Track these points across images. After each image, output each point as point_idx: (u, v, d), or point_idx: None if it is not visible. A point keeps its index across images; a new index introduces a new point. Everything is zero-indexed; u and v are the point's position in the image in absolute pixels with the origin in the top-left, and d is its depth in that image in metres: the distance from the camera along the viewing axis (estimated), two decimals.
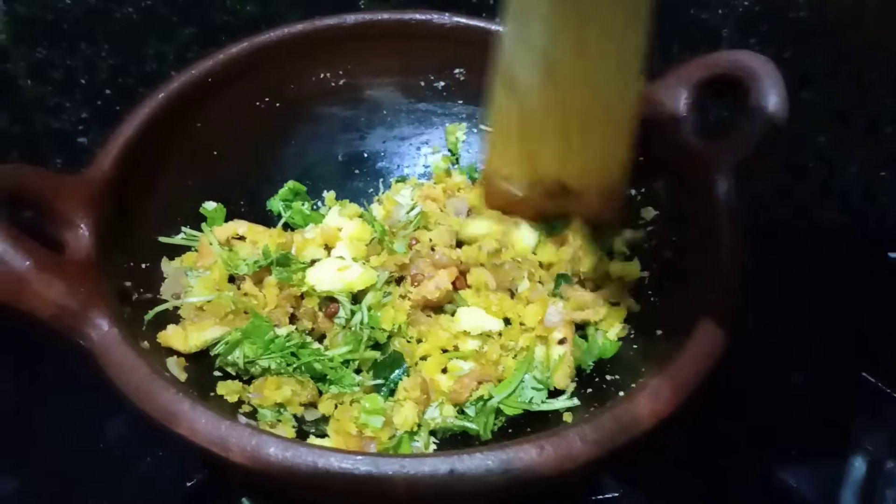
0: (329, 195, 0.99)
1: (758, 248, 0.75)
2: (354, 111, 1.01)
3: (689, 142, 0.81)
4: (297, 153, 0.99)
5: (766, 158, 0.79)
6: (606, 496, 0.86)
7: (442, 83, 0.99)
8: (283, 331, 0.79)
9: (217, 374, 0.78)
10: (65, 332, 0.65)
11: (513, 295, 0.86)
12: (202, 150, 0.90)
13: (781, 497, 0.89)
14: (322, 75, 0.97)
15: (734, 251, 0.73)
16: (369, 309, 0.82)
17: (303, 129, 0.99)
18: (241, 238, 0.88)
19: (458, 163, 1.03)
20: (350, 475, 0.56)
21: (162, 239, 0.84)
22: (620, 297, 0.85)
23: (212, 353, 0.78)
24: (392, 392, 0.79)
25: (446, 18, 0.94)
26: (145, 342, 0.72)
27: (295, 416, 0.77)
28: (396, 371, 0.80)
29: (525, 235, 0.89)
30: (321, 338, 0.83)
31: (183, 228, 0.87)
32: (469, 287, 0.86)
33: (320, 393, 0.79)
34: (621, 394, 0.70)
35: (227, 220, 0.90)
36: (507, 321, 0.85)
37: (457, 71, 0.98)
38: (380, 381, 0.80)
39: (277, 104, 0.95)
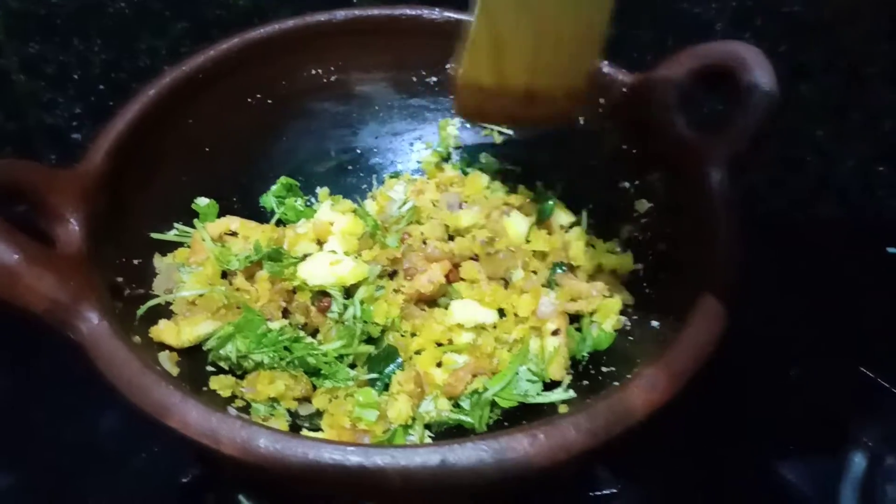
0: (322, 191, 0.98)
1: (755, 241, 0.75)
2: (346, 107, 1.00)
3: (682, 134, 0.81)
4: (289, 149, 0.99)
5: (760, 148, 0.78)
6: (604, 492, 0.86)
7: (434, 78, 0.99)
8: (275, 325, 0.79)
9: (210, 368, 0.78)
10: (56, 325, 0.64)
11: (507, 285, 0.86)
12: (194, 146, 0.89)
13: (780, 492, 0.89)
14: (314, 71, 0.97)
15: (729, 243, 0.72)
16: (362, 303, 0.82)
17: (295, 125, 0.99)
18: (234, 234, 0.88)
19: (449, 158, 1.03)
20: (341, 466, 0.55)
21: (154, 235, 0.84)
22: (614, 289, 0.85)
23: (204, 348, 0.78)
24: (386, 386, 0.79)
25: (437, 14, 0.94)
26: (137, 337, 0.71)
27: (289, 410, 0.76)
28: (391, 365, 0.80)
29: (517, 223, 0.89)
30: (314, 332, 0.83)
31: (175, 224, 0.87)
32: (462, 280, 0.86)
33: (314, 387, 0.78)
34: (617, 384, 0.69)
35: (219, 216, 0.90)
36: (501, 313, 0.84)
37: (448, 66, 0.98)
38: (374, 376, 0.80)
39: (269, 100, 0.95)
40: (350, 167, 1.02)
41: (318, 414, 0.77)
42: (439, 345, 0.82)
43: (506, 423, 0.77)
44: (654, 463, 0.89)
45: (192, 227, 0.88)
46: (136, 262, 0.79)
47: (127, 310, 0.74)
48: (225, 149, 0.92)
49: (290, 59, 0.95)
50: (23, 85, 1.10)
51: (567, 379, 0.79)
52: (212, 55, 0.88)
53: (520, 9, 0.72)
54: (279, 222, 0.94)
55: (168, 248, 0.85)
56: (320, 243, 0.89)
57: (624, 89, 0.88)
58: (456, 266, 0.86)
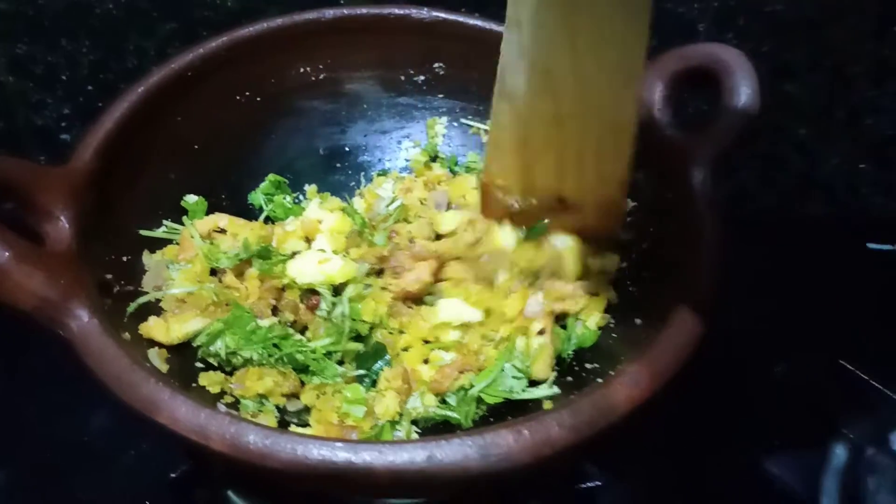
0: (310, 189, 0.99)
1: (739, 239, 0.75)
2: (335, 105, 1.01)
3: (666, 134, 0.82)
4: (277, 147, 0.99)
5: (743, 148, 0.79)
6: (589, 485, 0.87)
7: (422, 77, 1.00)
8: (265, 322, 0.79)
9: (199, 365, 0.78)
10: (45, 323, 0.65)
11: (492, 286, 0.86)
12: (183, 143, 0.90)
13: (764, 485, 0.90)
14: (302, 69, 0.97)
15: (712, 241, 0.73)
16: (350, 301, 0.82)
17: (283, 123, 0.99)
18: (223, 231, 0.88)
19: (436, 158, 1.03)
20: (329, 462, 0.56)
21: (143, 232, 0.84)
22: (600, 289, 0.86)
23: (194, 345, 0.78)
24: (374, 383, 0.79)
25: (425, 13, 0.94)
26: (126, 334, 0.72)
27: (277, 406, 0.77)
28: (379, 362, 0.81)
29: (505, 236, 0.89)
30: (303, 330, 0.84)
31: (164, 221, 0.87)
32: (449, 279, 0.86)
33: (303, 384, 0.79)
34: (600, 381, 0.70)
35: (208, 213, 0.90)
36: (487, 311, 0.85)
37: (436, 65, 0.98)
38: (362, 372, 0.80)
39: (258, 98, 0.96)
40: (338, 165, 1.03)
41: (307, 410, 0.78)
42: (426, 342, 0.83)
43: (491, 419, 0.78)
44: (639, 457, 0.90)
45: (181, 224, 0.88)
46: (125, 259, 0.80)
47: (116, 307, 0.74)
48: (214, 146, 0.93)
49: (278, 58, 0.95)
50: (11, 86, 1.10)
51: (552, 376, 0.80)
52: (200, 53, 0.88)
53: (538, 107, 0.72)
54: (268, 220, 0.94)
55: (157, 245, 0.85)
56: (308, 241, 0.90)
57: None
58: (442, 265, 0.86)
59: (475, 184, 0.97)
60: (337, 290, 0.84)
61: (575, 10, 0.63)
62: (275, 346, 0.78)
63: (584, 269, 0.87)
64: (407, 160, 1.04)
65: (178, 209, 0.89)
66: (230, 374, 0.78)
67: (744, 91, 0.77)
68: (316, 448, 0.56)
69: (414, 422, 0.77)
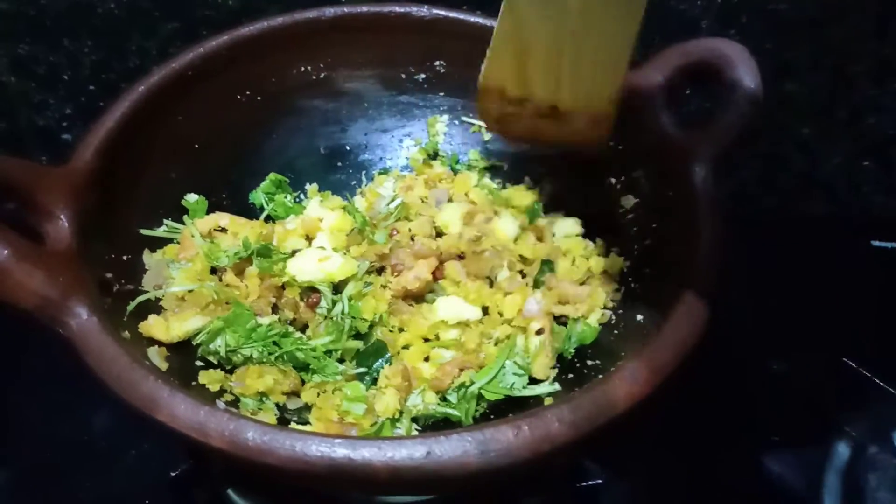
0: (311, 187, 0.99)
1: (741, 237, 0.75)
2: (336, 104, 1.01)
3: (667, 131, 0.82)
4: (278, 146, 0.99)
5: (745, 147, 0.79)
6: (590, 483, 0.87)
7: (423, 75, 1.00)
8: (265, 320, 0.80)
9: (199, 363, 0.78)
10: (45, 321, 0.65)
11: (492, 284, 0.87)
12: (184, 142, 0.90)
13: (765, 483, 0.90)
14: (303, 68, 0.97)
15: (713, 238, 0.73)
16: (350, 299, 0.82)
17: (284, 122, 0.99)
18: (223, 230, 0.88)
19: (437, 155, 1.03)
20: (328, 458, 0.56)
21: (144, 231, 0.84)
22: (603, 288, 0.86)
23: (194, 343, 0.78)
24: (375, 380, 0.80)
25: (425, 11, 0.94)
26: (126, 332, 0.72)
27: (277, 404, 0.77)
28: (379, 360, 0.81)
29: (506, 224, 0.90)
30: (303, 328, 0.84)
31: (165, 220, 0.87)
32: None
33: (303, 382, 0.79)
34: (601, 378, 0.70)
35: (209, 212, 0.90)
36: (486, 310, 0.85)
37: (437, 63, 0.98)
38: (363, 370, 0.80)
39: (259, 97, 0.96)
40: (339, 164, 1.03)
41: (307, 408, 0.78)
42: (427, 340, 0.83)
43: (492, 416, 0.78)
44: (640, 455, 0.90)
45: (182, 223, 0.88)
46: (125, 258, 0.80)
47: (116, 306, 0.74)
48: (214, 145, 0.93)
49: (279, 57, 0.95)
50: (13, 86, 1.10)
51: (552, 373, 0.80)
52: (201, 52, 0.88)
53: (544, 16, 0.71)
54: (268, 219, 0.94)
55: (157, 244, 0.85)
56: (309, 239, 0.90)
57: None
58: (443, 263, 0.87)
59: (476, 182, 0.97)
60: (337, 288, 0.84)
61: None
62: (275, 343, 0.78)
63: (587, 272, 0.87)
64: (408, 158, 1.04)
65: (179, 208, 0.89)
66: (230, 372, 0.78)
67: (747, 86, 0.77)
68: (315, 444, 0.56)
69: (414, 419, 0.77)
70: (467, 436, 0.57)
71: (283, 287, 0.84)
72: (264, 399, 0.77)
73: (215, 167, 0.93)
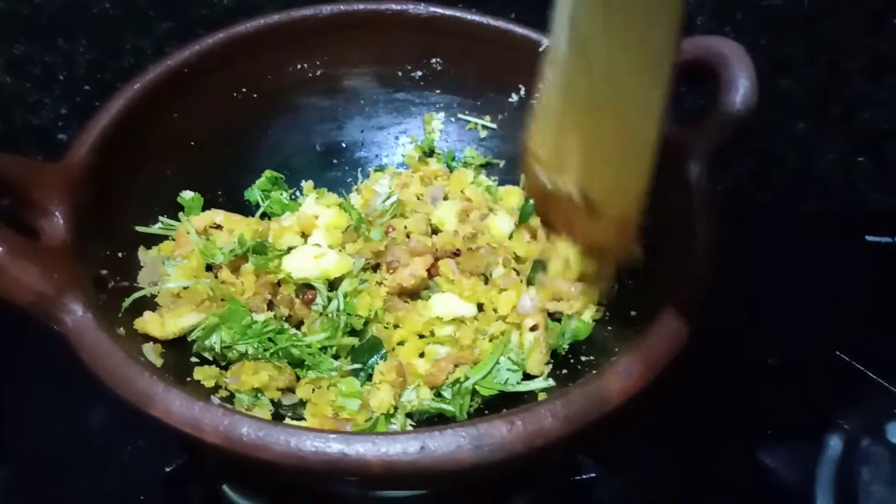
0: (307, 184, 0.99)
1: (737, 233, 0.76)
2: (332, 101, 1.01)
3: None
4: (274, 143, 0.99)
5: (740, 143, 0.79)
6: (584, 477, 0.87)
7: (419, 73, 1.00)
8: (260, 317, 0.80)
9: (194, 360, 0.78)
10: (41, 318, 0.65)
11: (487, 280, 0.87)
12: (180, 140, 0.90)
13: (758, 476, 0.90)
14: (299, 66, 0.97)
15: (708, 235, 0.73)
16: (345, 296, 0.83)
17: (281, 120, 0.99)
18: (219, 227, 0.89)
19: (432, 153, 1.04)
20: (322, 454, 0.56)
21: (139, 228, 0.84)
22: (597, 286, 0.86)
23: (189, 339, 0.78)
24: (370, 377, 0.80)
25: (422, 8, 0.94)
26: (121, 329, 0.72)
27: (272, 400, 0.77)
28: (374, 356, 0.81)
29: (501, 222, 0.90)
30: (299, 324, 0.84)
31: (160, 218, 0.87)
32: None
33: (298, 378, 0.79)
34: (594, 373, 0.70)
35: (204, 209, 0.91)
36: (481, 307, 0.85)
37: (433, 60, 0.99)
38: (357, 366, 0.81)
39: (255, 95, 0.96)
40: (335, 161, 1.03)
41: (302, 404, 0.78)
42: (421, 336, 0.84)
43: (486, 412, 0.78)
44: (633, 449, 0.90)
45: (177, 220, 0.88)
46: (120, 254, 0.80)
47: (111, 302, 0.74)
48: (210, 143, 0.93)
49: (275, 54, 0.95)
50: (8, 86, 1.10)
51: (546, 368, 0.80)
52: (197, 49, 0.88)
53: (571, 106, 0.70)
54: (264, 215, 0.95)
55: (153, 241, 0.85)
56: (305, 236, 0.90)
57: None
58: (438, 260, 0.87)
59: (472, 179, 0.98)
60: (332, 284, 0.85)
61: None
62: (270, 340, 0.78)
63: (583, 271, 0.87)
64: (404, 156, 1.04)
65: (175, 205, 0.90)
66: (225, 368, 0.78)
67: (742, 84, 0.77)
68: (309, 440, 0.56)
69: (409, 415, 0.78)
70: (461, 431, 0.57)
71: (278, 284, 0.84)
72: (259, 395, 0.77)
73: (211, 164, 0.93)
